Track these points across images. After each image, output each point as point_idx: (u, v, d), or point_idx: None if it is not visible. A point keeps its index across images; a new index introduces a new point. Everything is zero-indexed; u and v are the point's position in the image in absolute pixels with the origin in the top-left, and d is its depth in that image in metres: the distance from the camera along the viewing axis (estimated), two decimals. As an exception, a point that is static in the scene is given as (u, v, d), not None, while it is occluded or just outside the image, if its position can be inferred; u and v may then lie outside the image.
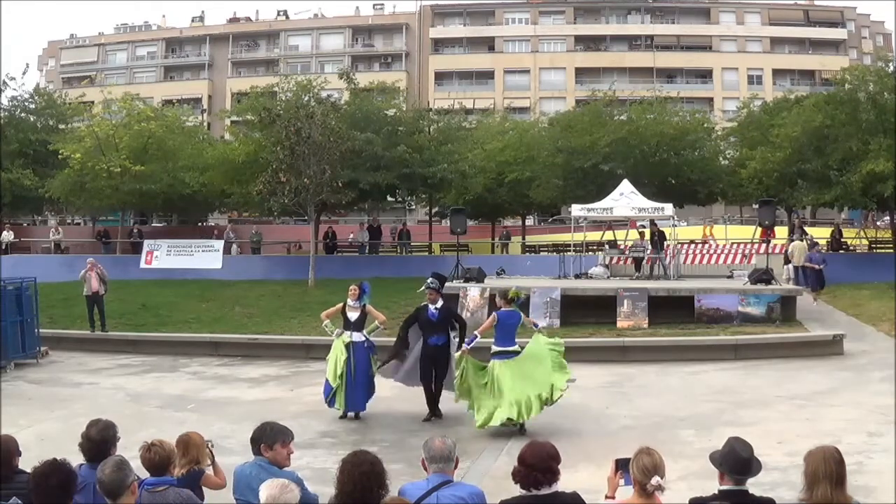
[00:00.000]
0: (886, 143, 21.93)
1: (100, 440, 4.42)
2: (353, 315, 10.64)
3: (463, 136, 31.39)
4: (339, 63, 58.07)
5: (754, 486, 3.97)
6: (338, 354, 10.50)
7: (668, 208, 22.18)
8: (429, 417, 10.43)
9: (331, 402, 10.52)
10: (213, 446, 5.06)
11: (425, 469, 4.13)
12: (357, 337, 10.56)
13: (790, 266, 22.87)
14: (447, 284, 18.54)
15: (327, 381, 10.54)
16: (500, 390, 9.47)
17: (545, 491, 3.84)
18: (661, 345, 14.78)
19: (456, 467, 4.17)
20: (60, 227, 37.86)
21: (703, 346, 14.70)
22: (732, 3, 62.99)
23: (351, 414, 10.56)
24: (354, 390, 10.44)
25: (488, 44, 64.00)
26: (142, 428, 8.61)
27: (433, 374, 10.35)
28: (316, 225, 26.50)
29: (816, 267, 20.84)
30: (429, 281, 10.54)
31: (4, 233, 32.66)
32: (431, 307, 10.39)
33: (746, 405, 10.70)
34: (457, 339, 10.34)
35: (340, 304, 10.87)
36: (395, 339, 10.78)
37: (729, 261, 24.25)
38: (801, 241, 24.01)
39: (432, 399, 10.46)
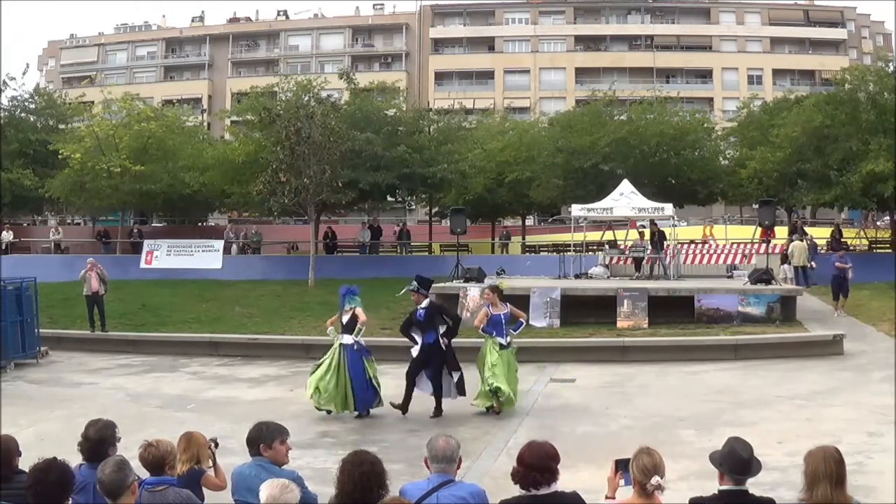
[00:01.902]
0: (886, 143, 21.95)
1: (97, 440, 4.42)
2: (344, 318, 10.81)
3: (463, 136, 31.41)
4: (339, 63, 58.06)
5: (754, 486, 3.96)
6: (331, 358, 10.60)
7: (668, 208, 22.18)
8: (400, 408, 10.53)
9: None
10: (216, 447, 5.06)
11: (428, 468, 4.13)
12: (346, 339, 10.63)
13: (787, 266, 22.89)
14: (447, 284, 18.78)
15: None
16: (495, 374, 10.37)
17: (544, 491, 3.83)
18: (660, 345, 14.77)
19: (458, 468, 4.15)
20: (60, 227, 37.87)
21: (703, 346, 14.68)
22: (732, 3, 62.99)
23: (354, 413, 10.58)
24: (356, 391, 10.48)
25: (488, 44, 64.01)
26: (142, 428, 8.60)
27: (422, 372, 10.54)
28: (316, 225, 26.50)
29: (847, 266, 18.49)
30: (413, 284, 10.83)
31: (4, 233, 32.67)
32: (419, 308, 10.65)
33: (746, 405, 10.69)
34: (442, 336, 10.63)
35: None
36: (389, 337, 10.96)
37: (729, 261, 24.25)
38: (802, 241, 24.01)
39: (410, 396, 10.61)
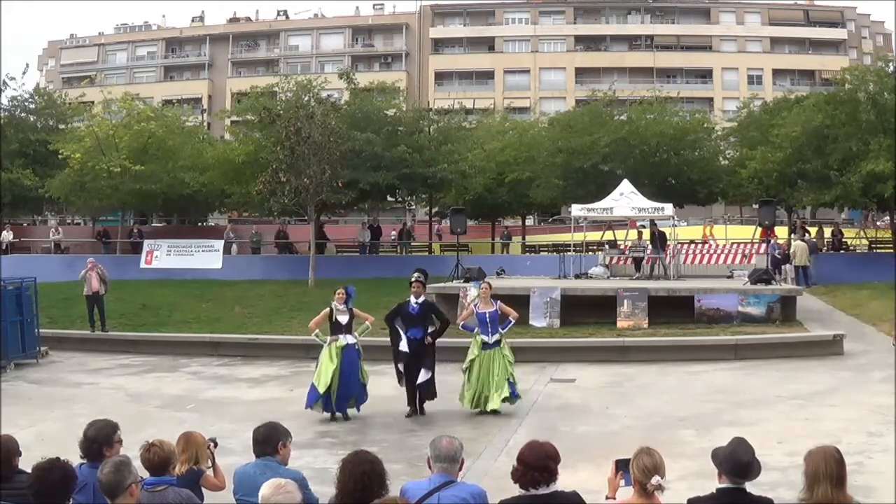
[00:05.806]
0: (886, 143, 21.93)
1: (92, 439, 4.43)
2: (343, 318, 10.65)
3: (463, 136, 31.39)
4: (339, 63, 58.09)
5: (754, 485, 3.96)
6: (326, 361, 10.41)
7: (668, 208, 22.16)
8: (411, 413, 10.52)
9: (310, 405, 10.43)
10: (215, 447, 5.06)
11: (430, 467, 4.12)
12: (350, 339, 10.60)
13: (788, 266, 22.86)
14: (447, 284, 18.78)
15: (313, 385, 10.41)
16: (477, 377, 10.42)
17: (543, 490, 3.83)
18: (660, 345, 14.77)
19: (461, 468, 4.15)
20: (60, 227, 37.81)
21: (703, 346, 14.68)
22: (732, 3, 63.02)
23: (339, 415, 10.48)
24: (348, 392, 10.43)
25: (488, 44, 64.03)
26: (142, 428, 8.60)
27: (414, 369, 10.45)
28: (316, 225, 26.49)
29: None
30: (416, 275, 10.71)
31: (4, 233, 32.64)
32: (413, 301, 10.54)
33: (746, 405, 10.69)
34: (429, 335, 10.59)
35: (326, 311, 10.80)
36: (387, 337, 10.89)
37: (729, 261, 24.22)
38: (803, 240, 24.00)
39: (414, 394, 10.56)
